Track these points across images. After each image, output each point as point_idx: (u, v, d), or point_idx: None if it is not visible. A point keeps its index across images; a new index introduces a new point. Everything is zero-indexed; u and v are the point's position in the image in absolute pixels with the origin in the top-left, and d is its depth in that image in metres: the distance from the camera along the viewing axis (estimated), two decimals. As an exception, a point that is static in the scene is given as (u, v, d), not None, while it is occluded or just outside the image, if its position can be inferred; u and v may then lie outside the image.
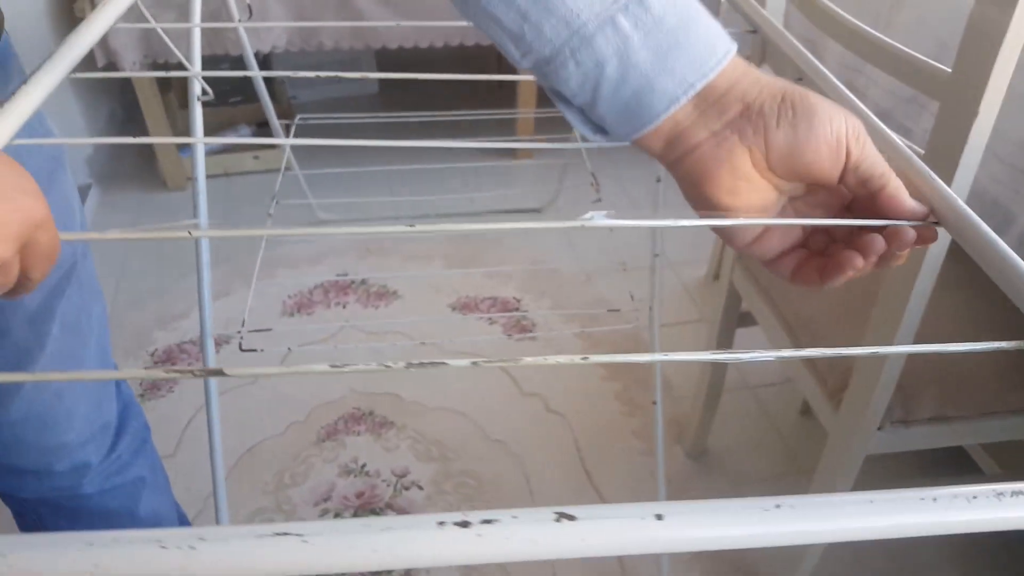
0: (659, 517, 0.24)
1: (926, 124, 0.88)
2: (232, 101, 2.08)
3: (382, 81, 2.39)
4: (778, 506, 0.24)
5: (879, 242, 0.37)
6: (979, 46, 0.57)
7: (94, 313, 0.70)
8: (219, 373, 0.29)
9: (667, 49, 0.35)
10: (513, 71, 2.08)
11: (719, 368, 1.20)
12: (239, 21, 1.13)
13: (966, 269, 0.90)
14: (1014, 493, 0.25)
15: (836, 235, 0.40)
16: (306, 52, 1.82)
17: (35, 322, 0.62)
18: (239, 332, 0.94)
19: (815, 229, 0.40)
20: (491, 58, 2.49)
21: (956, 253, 0.74)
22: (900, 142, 0.44)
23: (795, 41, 0.60)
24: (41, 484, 0.72)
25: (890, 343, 0.74)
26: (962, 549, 1.13)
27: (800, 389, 0.97)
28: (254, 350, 0.94)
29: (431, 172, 2.04)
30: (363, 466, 1.30)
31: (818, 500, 0.25)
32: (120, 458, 0.78)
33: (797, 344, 0.93)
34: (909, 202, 0.37)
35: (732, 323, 1.14)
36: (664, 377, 1.46)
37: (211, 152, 1.98)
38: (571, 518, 0.23)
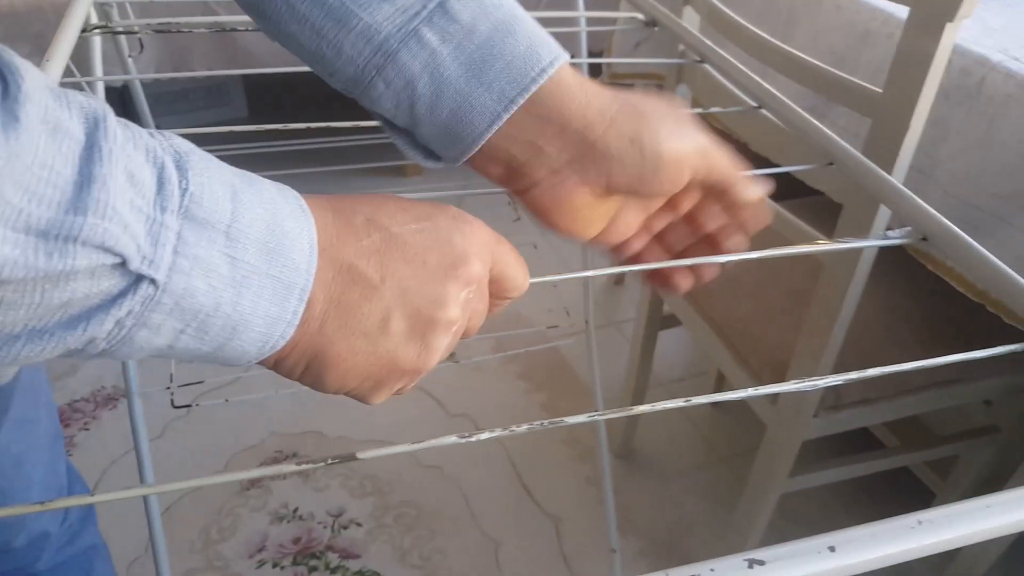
0: (832, 549, 0.26)
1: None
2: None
3: (252, 105, 2.31)
4: (920, 522, 0.27)
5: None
6: (909, 69, 0.64)
7: (41, 367, 0.64)
8: (351, 458, 0.29)
9: (481, 61, 0.32)
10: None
11: (643, 373, 1.25)
12: (129, 56, 1.06)
13: (889, 271, 0.99)
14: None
15: (699, 233, 0.40)
16: (175, 79, 1.73)
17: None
18: (168, 388, 0.89)
19: (671, 225, 0.41)
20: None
21: (885, 253, 0.81)
22: (872, 165, 0.49)
23: (745, 69, 0.65)
24: None
25: (825, 340, 0.81)
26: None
27: (732, 384, 1.03)
28: (188, 406, 0.89)
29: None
30: (295, 510, 1.26)
31: (950, 511, 0.28)
32: (72, 526, 0.72)
33: (728, 344, 0.99)
34: (749, 188, 0.38)
35: (655, 326, 1.19)
36: (588, 383, 1.50)
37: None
38: (761, 563, 0.25)
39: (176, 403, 0.86)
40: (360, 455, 0.29)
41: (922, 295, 0.98)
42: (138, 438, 0.86)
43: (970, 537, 0.27)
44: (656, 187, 0.35)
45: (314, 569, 1.17)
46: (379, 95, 0.33)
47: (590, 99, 0.34)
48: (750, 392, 0.34)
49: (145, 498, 0.88)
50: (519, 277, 0.34)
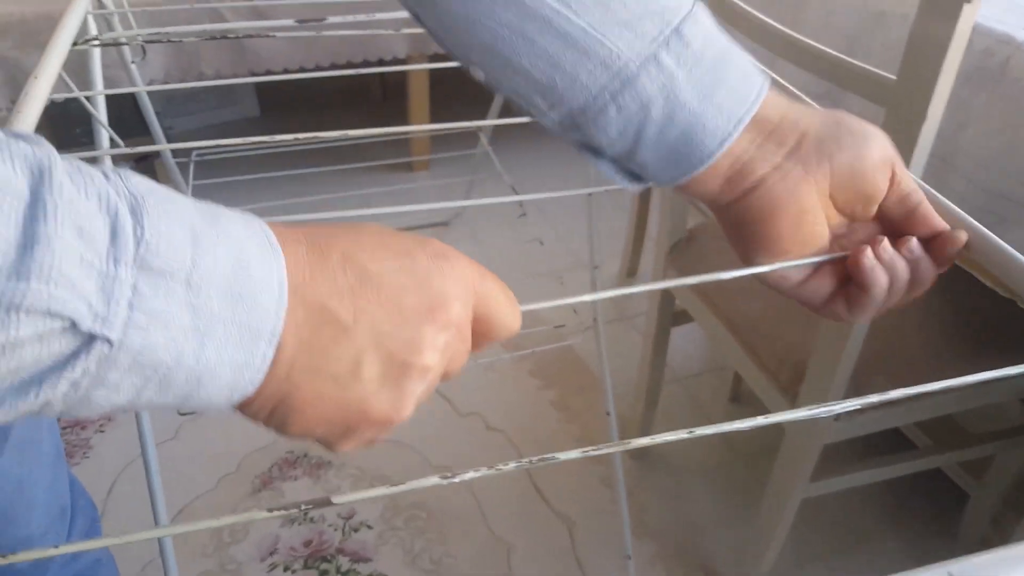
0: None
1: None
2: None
3: (263, 104, 2.29)
4: (949, 574, 0.25)
5: (915, 245, 0.37)
6: (923, 55, 0.60)
7: None
8: (326, 503, 0.27)
9: (711, 84, 0.33)
10: (401, 90, 2.04)
11: (656, 369, 1.23)
12: (132, 62, 1.05)
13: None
14: None
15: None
16: (184, 81, 1.72)
17: None
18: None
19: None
20: (374, 80, 2.44)
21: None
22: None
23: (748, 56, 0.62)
24: None
25: (845, 337, 0.78)
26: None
27: (748, 383, 1.00)
28: (193, 411, 0.88)
29: (331, 200, 1.98)
30: (306, 512, 1.25)
31: (983, 560, 0.25)
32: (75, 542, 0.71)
33: (743, 342, 0.96)
34: (939, 218, 0.38)
35: (667, 322, 1.17)
36: (599, 378, 1.48)
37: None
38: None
39: (181, 410, 0.84)
40: (335, 499, 0.27)
41: (949, 288, 0.94)
42: (145, 443, 0.84)
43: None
44: (870, 176, 0.36)
45: (325, 573, 1.16)
46: (607, 122, 0.34)
47: (791, 106, 0.36)
48: (759, 420, 0.32)
49: (154, 508, 0.86)
50: (507, 316, 0.31)
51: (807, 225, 0.36)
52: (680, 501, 1.27)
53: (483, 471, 0.28)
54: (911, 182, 0.38)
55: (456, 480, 0.28)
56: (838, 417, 0.86)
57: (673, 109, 0.33)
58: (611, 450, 0.29)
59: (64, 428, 1.37)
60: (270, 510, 0.26)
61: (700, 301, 1.04)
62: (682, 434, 0.30)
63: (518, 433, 1.38)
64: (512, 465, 0.29)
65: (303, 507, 0.26)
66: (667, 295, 1.14)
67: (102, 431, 1.36)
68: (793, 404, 0.89)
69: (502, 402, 1.43)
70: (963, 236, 0.37)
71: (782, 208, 0.35)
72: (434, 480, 0.28)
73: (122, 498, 1.25)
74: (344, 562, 1.17)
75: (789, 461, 0.92)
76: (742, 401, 1.44)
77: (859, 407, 0.37)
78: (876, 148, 0.35)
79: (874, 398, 0.34)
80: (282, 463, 1.32)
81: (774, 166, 0.35)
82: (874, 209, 0.37)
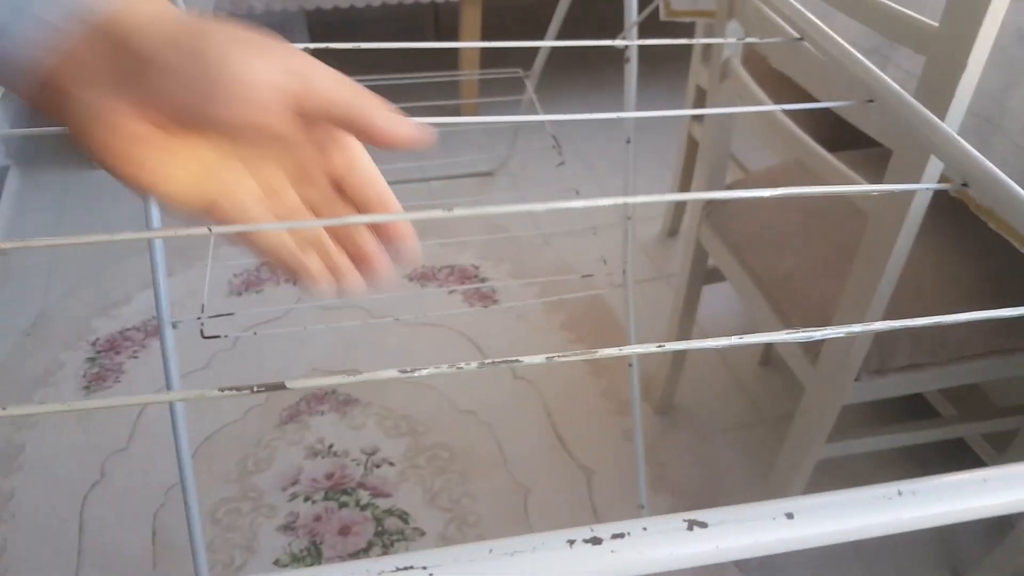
0: (789, 516, 0.23)
1: (891, 74, 0.89)
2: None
3: (315, 42, 2.30)
4: (900, 493, 0.24)
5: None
6: (967, 2, 0.57)
7: None
8: (280, 387, 0.27)
9: None
10: (453, 34, 2.03)
11: (685, 326, 1.21)
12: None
13: (939, 222, 0.92)
14: None
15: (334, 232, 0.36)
16: (235, 15, 1.73)
17: None
18: (199, 318, 0.89)
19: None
20: (427, 16, 2.43)
21: (933, 208, 0.75)
22: (921, 108, 0.44)
23: (787, -2, 0.59)
24: None
25: (870, 297, 0.76)
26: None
27: (775, 342, 0.99)
28: (217, 336, 0.90)
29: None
30: (330, 446, 1.27)
31: (935, 483, 0.24)
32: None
33: (770, 300, 0.95)
34: (393, 119, 0.32)
35: (699, 280, 1.15)
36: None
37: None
38: (703, 525, 0.22)
39: (205, 333, 0.86)
40: (289, 384, 0.27)
41: (980, 254, 0.91)
42: (168, 365, 0.87)
43: (958, 515, 0.24)
44: (229, 112, 0.29)
45: (344, 505, 1.19)
46: None
47: (156, 22, 0.29)
48: (779, 336, 0.31)
49: (174, 426, 0.89)
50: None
51: (148, 162, 0.30)
52: (702, 459, 1.26)
53: (443, 368, 0.28)
54: (332, 93, 0.32)
55: (414, 375, 0.28)
56: (859, 377, 0.84)
57: None
58: (576, 358, 0.29)
59: (99, 352, 1.42)
60: (221, 389, 0.26)
61: (731, 257, 1.02)
62: (652, 347, 0.30)
63: (544, 382, 1.38)
64: (474, 365, 0.28)
65: (255, 388, 0.27)
66: (700, 251, 1.12)
67: (135, 356, 1.41)
68: (815, 363, 0.87)
69: (531, 352, 1.44)
70: (394, 122, 0.32)
71: (107, 139, 0.29)
72: (392, 373, 0.28)
73: (151, 422, 1.29)
74: (364, 496, 1.20)
75: (807, 419, 0.90)
76: (772, 364, 1.41)
77: (878, 330, 0.36)
78: (230, 78, 0.29)
79: (898, 323, 0.32)
80: (310, 398, 1.34)
81: (91, 85, 0.29)
82: (275, 131, 0.31)
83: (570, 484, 1.22)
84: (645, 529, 0.22)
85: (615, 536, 0.22)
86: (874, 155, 1.03)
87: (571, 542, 0.21)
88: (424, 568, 0.20)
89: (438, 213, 0.33)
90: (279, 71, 0.29)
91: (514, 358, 0.29)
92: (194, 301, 1.52)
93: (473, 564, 0.21)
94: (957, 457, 1.20)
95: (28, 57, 0.28)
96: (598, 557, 0.21)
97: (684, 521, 0.22)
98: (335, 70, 0.31)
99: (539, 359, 0.29)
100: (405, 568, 0.20)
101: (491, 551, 0.21)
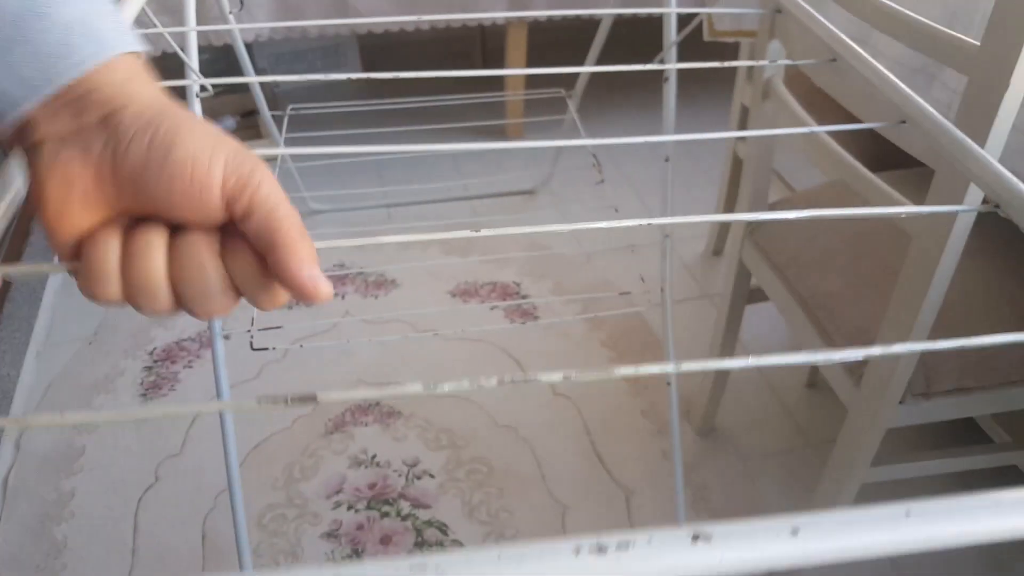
0: (794, 532, 0.23)
1: (936, 94, 0.88)
2: (215, 91, 2.04)
3: (366, 65, 2.36)
4: (908, 513, 0.24)
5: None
6: (1010, 19, 0.57)
7: None
8: (311, 399, 0.28)
9: (5, 44, 0.30)
10: (499, 56, 2.06)
11: (728, 346, 1.20)
12: (230, 12, 1.10)
13: (988, 243, 0.91)
14: None
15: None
16: (289, 39, 1.79)
17: None
18: (249, 331, 0.92)
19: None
20: (475, 38, 2.46)
21: (979, 227, 0.74)
22: (952, 128, 0.44)
23: (823, 20, 0.59)
24: None
25: (913, 319, 0.75)
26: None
27: (814, 363, 0.97)
28: (265, 348, 0.93)
29: (420, 158, 2.02)
30: (373, 457, 1.29)
31: (946, 504, 0.24)
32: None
33: (814, 320, 0.94)
34: (304, 270, 0.33)
35: (741, 300, 1.14)
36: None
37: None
38: (708, 538, 0.23)
39: (255, 346, 0.89)
40: (321, 396, 0.28)
41: (1021, 270, 0.89)
42: (219, 375, 0.90)
43: (968, 536, 0.24)
44: (161, 188, 0.31)
45: (386, 515, 1.20)
46: None
47: (132, 84, 0.32)
48: (787, 359, 0.31)
49: (223, 433, 0.92)
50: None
51: (75, 214, 0.32)
52: (744, 482, 1.25)
53: (464, 383, 0.29)
54: (264, 222, 0.33)
55: (436, 391, 0.29)
56: (904, 400, 0.82)
57: None
58: (594, 377, 0.30)
59: (155, 362, 1.47)
60: (259, 401, 0.28)
61: (775, 277, 1.02)
62: (668, 367, 0.31)
63: (583, 400, 1.38)
64: (493, 381, 0.30)
65: (289, 401, 0.28)
66: (742, 270, 1.12)
67: (190, 367, 1.45)
68: (857, 385, 0.86)
69: (572, 369, 1.44)
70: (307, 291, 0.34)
71: (48, 182, 0.32)
72: (417, 388, 0.29)
73: (204, 429, 1.33)
74: (405, 506, 1.22)
75: (850, 442, 0.89)
76: (819, 387, 1.39)
77: (923, 350, 0.36)
78: (180, 162, 0.32)
79: (944, 344, 0.33)
80: (355, 409, 1.37)
81: (59, 134, 0.32)
82: (200, 221, 0.33)
83: (608, 503, 1.21)
84: (650, 540, 0.23)
85: (620, 546, 0.22)
86: (919, 174, 1.02)
87: (577, 550, 0.22)
88: (437, 568, 0.22)
89: (466, 233, 0.34)
90: (231, 159, 0.32)
91: (532, 375, 0.30)
92: (245, 314, 1.56)
93: (483, 567, 0.22)
94: (1010, 485, 1.17)
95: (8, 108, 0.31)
96: (603, 566, 0.22)
97: (689, 533, 0.23)
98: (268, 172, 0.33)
99: (556, 376, 0.30)
100: (418, 567, 0.21)
101: (500, 556, 0.22)
